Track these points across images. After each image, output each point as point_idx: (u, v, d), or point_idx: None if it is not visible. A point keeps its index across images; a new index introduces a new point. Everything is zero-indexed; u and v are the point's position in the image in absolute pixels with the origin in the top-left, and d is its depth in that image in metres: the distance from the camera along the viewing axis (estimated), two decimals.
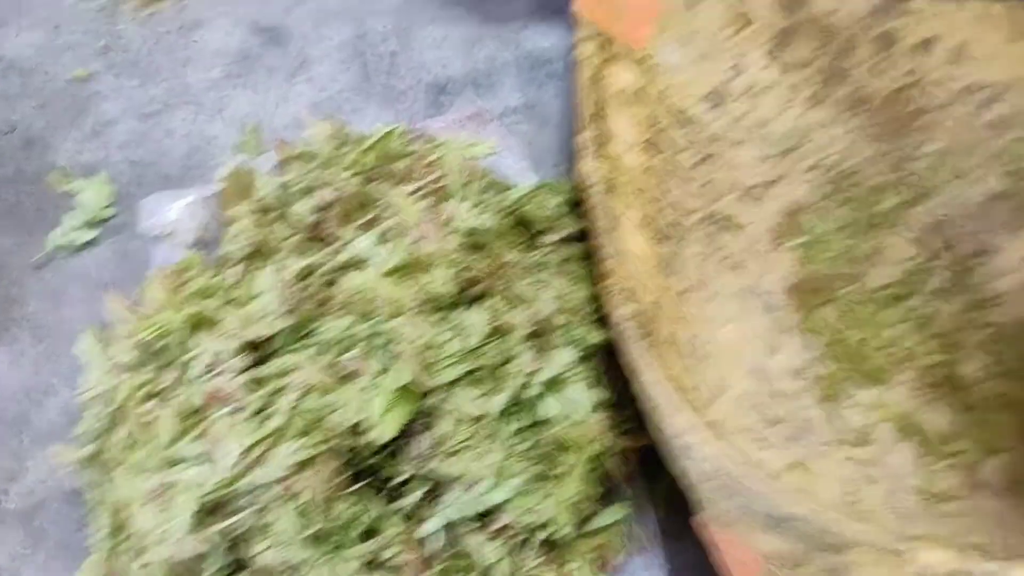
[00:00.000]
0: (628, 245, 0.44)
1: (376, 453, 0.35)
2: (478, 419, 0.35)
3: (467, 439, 0.35)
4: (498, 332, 0.34)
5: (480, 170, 0.45)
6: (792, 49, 0.53)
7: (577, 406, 0.34)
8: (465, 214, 0.37)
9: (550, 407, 0.35)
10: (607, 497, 0.39)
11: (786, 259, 0.48)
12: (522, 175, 0.48)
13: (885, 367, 0.45)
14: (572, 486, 0.36)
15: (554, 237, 0.43)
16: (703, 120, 0.52)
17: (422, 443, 0.35)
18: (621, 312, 0.36)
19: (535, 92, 0.53)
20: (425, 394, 0.35)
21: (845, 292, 0.46)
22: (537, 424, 0.36)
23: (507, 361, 0.35)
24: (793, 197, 0.50)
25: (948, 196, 0.49)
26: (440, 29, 0.56)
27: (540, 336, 0.36)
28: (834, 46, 0.53)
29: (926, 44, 0.52)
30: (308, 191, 0.42)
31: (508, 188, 0.44)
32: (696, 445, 0.33)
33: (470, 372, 0.35)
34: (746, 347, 0.45)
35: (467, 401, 0.35)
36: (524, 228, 0.44)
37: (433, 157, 0.45)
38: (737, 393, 0.43)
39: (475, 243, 0.38)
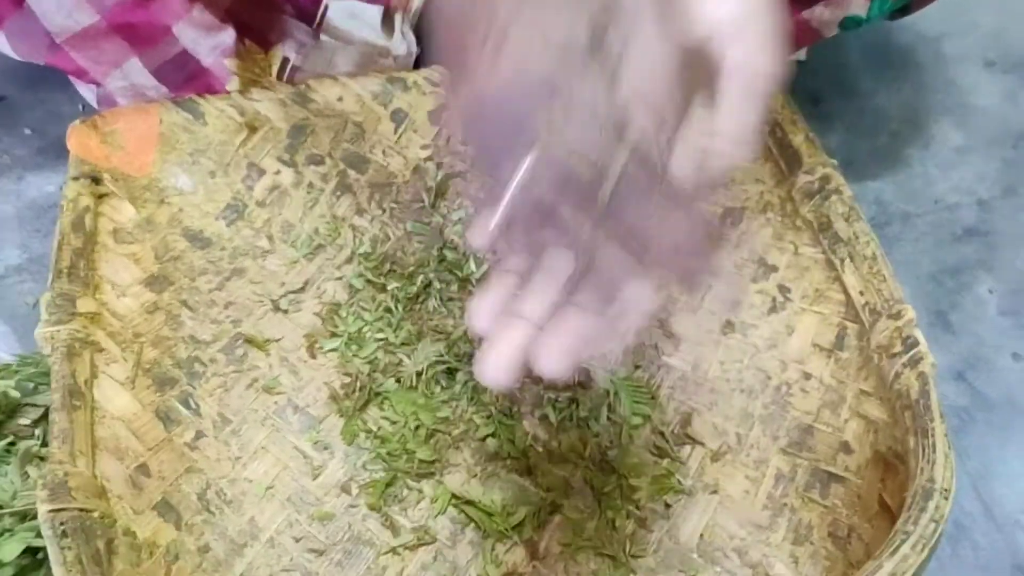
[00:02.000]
0: (107, 406, 0.39)
1: None
2: None
3: None
4: None
5: None
6: (307, 144, 0.51)
7: None
8: None
9: None
10: None
11: (324, 366, 0.45)
12: (5, 349, 0.43)
13: (438, 455, 0.43)
14: None
15: (24, 421, 0.38)
16: (224, 236, 0.48)
17: None
18: (42, 508, 0.32)
19: (41, 245, 0.48)
20: None
21: (386, 385, 0.44)
22: None
23: None
24: (327, 298, 0.47)
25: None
26: None
27: None
28: (348, 132, 0.52)
29: (435, 115, 0.52)
30: None
31: None
32: None
33: None
34: (282, 475, 0.41)
35: None
36: None
37: None
38: (272, 531, 0.39)
39: None
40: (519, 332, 0.28)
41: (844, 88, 0.61)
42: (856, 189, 0.49)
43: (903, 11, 0.53)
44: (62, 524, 0.31)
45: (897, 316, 0.39)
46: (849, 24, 0.52)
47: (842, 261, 0.44)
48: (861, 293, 0.42)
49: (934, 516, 0.31)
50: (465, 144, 0.27)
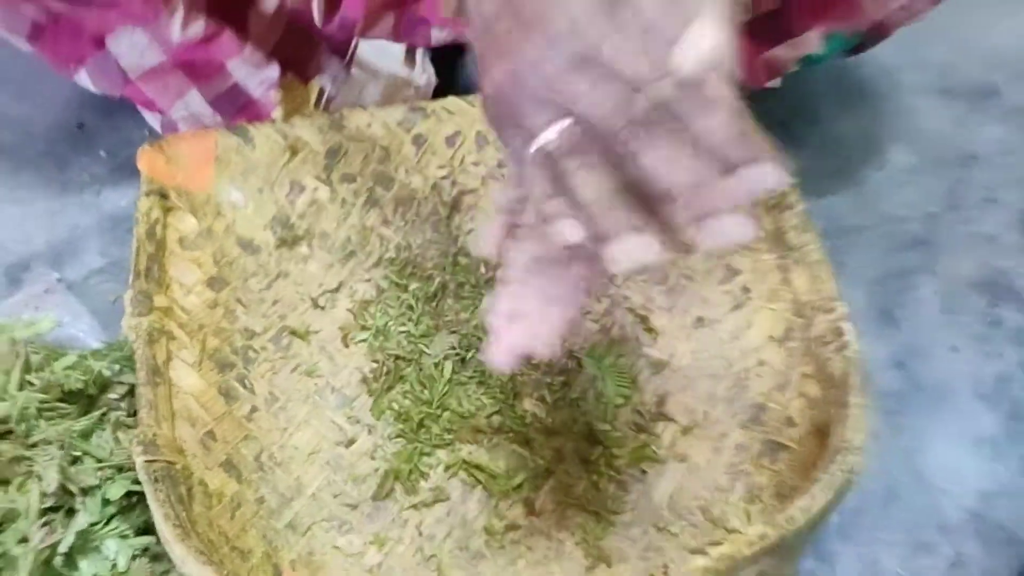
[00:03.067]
0: (181, 384, 0.48)
1: None
2: None
3: None
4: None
5: (32, 348, 0.48)
6: (341, 165, 0.60)
7: (109, 562, 0.38)
8: None
9: (82, 570, 0.38)
10: None
11: (356, 353, 0.54)
12: (94, 337, 0.51)
13: (452, 428, 0.51)
14: None
15: (113, 395, 0.47)
16: (271, 244, 0.57)
17: None
18: (138, 459, 0.40)
19: (118, 250, 0.57)
20: None
21: (408, 372, 0.53)
22: None
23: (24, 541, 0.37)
24: (358, 296, 0.56)
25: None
26: (18, 207, 0.58)
27: (60, 508, 0.39)
28: (376, 155, 0.60)
29: (451, 139, 0.60)
30: None
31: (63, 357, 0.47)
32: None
33: None
34: (321, 443, 0.50)
35: None
36: (82, 391, 0.47)
37: None
38: (314, 488, 0.48)
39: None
40: (518, 328, 0.36)
41: (809, 114, 0.68)
42: (815, 204, 0.56)
43: (858, 48, 0.60)
44: (155, 472, 0.40)
45: (831, 311, 0.46)
46: (808, 62, 0.59)
47: (793, 265, 0.52)
48: (805, 293, 0.50)
49: (842, 467, 0.39)
50: (491, 121, 0.32)
